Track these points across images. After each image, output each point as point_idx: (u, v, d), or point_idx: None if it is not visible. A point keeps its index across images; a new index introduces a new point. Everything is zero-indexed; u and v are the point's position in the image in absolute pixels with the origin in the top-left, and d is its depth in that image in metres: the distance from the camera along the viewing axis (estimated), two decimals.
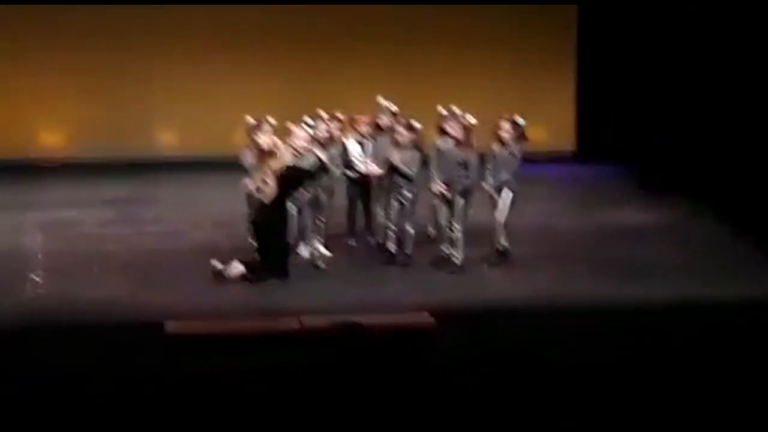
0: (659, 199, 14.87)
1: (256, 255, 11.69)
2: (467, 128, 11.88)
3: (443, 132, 12.11)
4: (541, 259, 12.44)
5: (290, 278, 11.60)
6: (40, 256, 12.53)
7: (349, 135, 12.52)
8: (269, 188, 11.50)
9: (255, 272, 11.54)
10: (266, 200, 11.52)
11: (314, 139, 12.05)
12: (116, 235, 13.29)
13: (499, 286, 11.82)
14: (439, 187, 12.00)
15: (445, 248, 12.10)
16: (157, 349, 9.83)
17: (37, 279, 11.74)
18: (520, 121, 12.05)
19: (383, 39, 17.03)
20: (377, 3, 16.81)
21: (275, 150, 11.52)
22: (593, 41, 17.17)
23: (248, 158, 11.89)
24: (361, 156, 12.48)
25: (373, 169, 12.33)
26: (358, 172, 12.47)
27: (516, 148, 12.00)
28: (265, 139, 11.62)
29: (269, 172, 11.49)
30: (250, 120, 12.01)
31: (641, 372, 9.47)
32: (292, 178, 11.58)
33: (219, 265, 11.63)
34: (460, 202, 11.96)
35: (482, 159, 12.09)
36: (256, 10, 16.80)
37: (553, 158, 14.95)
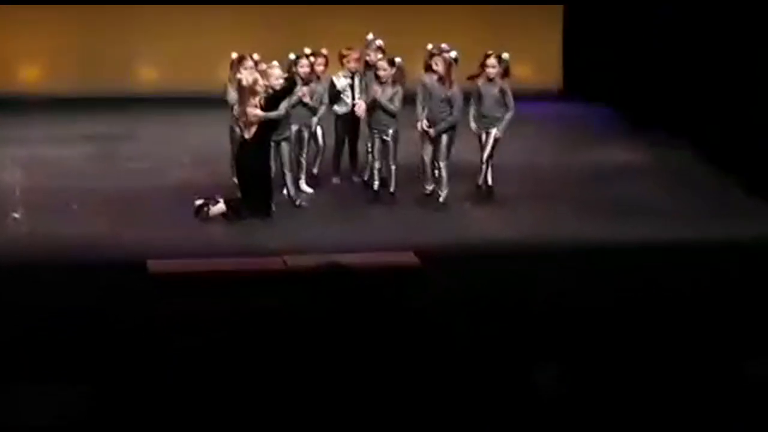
0: (645, 138, 14.79)
1: (239, 193, 11.58)
2: (449, 64, 11.77)
3: (429, 69, 12.02)
4: (527, 198, 12.39)
5: (273, 217, 11.50)
6: (18, 193, 12.38)
7: (339, 71, 12.39)
8: (250, 126, 11.37)
9: (237, 211, 11.44)
10: (248, 137, 11.40)
11: (294, 74, 11.94)
12: (97, 172, 13.14)
13: (483, 226, 11.77)
14: (422, 124, 11.91)
15: (428, 185, 12.05)
16: (139, 288, 9.76)
17: (17, 216, 11.62)
18: (505, 56, 11.96)
19: None
20: None
21: (256, 86, 11.37)
22: None
23: (231, 94, 11.75)
24: (348, 92, 12.36)
25: (360, 106, 12.20)
26: (345, 109, 12.36)
27: (506, 87, 11.92)
28: (245, 76, 11.47)
29: (250, 110, 11.35)
30: (233, 55, 11.87)
31: (627, 312, 9.44)
32: (270, 119, 11.45)
33: (200, 203, 11.51)
34: (443, 138, 11.87)
35: (469, 96, 12.00)
36: None
37: (539, 96, 14.79)
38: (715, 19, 15.27)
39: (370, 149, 12.18)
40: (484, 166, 12.04)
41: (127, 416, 7.19)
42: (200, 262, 10.28)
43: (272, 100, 11.42)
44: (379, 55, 12.23)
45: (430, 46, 12.16)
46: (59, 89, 16.31)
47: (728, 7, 14.97)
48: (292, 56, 12.17)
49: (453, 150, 11.98)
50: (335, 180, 12.65)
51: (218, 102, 12.35)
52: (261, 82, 11.40)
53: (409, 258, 10.42)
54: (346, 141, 12.61)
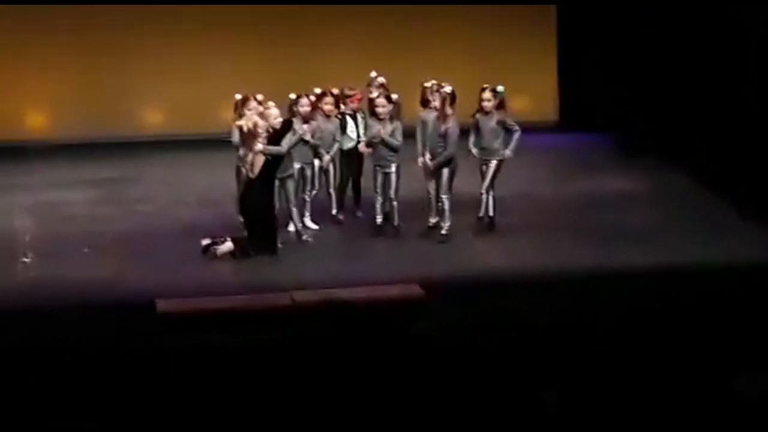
0: (640, 167, 14.87)
1: (244, 232, 11.64)
2: (444, 99, 11.90)
3: (427, 104, 12.16)
4: (527, 227, 12.43)
5: (279, 254, 11.56)
6: (29, 239, 12.45)
7: (344, 110, 12.55)
8: (255, 166, 11.46)
9: (244, 248, 11.50)
10: (252, 176, 11.48)
11: (295, 114, 12.05)
12: (104, 216, 13.21)
13: (486, 256, 11.82)
14: (422, 158, 12.02)
15: (432, 218, 12.13)
16: (149, 327, 9.80)
17: (28, 261, 11.68)
18: (500, 88, 12.06)
19: (365, 14, 16.93)
20: None
21: (257, 130, 11.46)
22: (575, 11, 17.10)
23: (237, 135, 11.85)
24: (354, 130, 12.50)
25: (364, 143, 12.32)
26: (350, 145, 12.47)
27: (504, 117, 12.01)
28: (245, 121, 11.57)
29: (253, 151, 11.44)
30: (237, 97, 11.98)
31: (626, 337, 9.49)
32: (273, 157, 11.53)
33: (207, 242, 11.58)
34: (444, 172, 11.96)
35: (467, 129, 12.09)
36: None
37: (536, 128, 14.89)
38: (709, 48, 15.39)
39: (378, 191, 12.21)
40: (484, 197, 12.12)
41: None
42: (208, 300, 10.31)
43: (272, 140, 11.52)
44: (381, 92, 12.36)
45: (428, 84, 12.29)
46: (64, 135, 16.44)
47: (722, 37, 15.09)
48: (292, 96, 12.29)
49: (455, 183, 12.06)
50: (339, 216, 12.72)
51: (221, 143, 12.45)
52: (261, 123, 11.50)
53: (414, 290, 10.46)
54: (350, 177, 12.72)
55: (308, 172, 12.36)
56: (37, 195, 14.00)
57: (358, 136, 12.54)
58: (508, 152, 12.05)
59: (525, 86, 16.29)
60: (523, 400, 7.94)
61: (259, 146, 11.39)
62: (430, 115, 12.09)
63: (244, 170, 11.67)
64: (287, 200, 11.98)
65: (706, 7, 15.38)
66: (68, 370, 8.87)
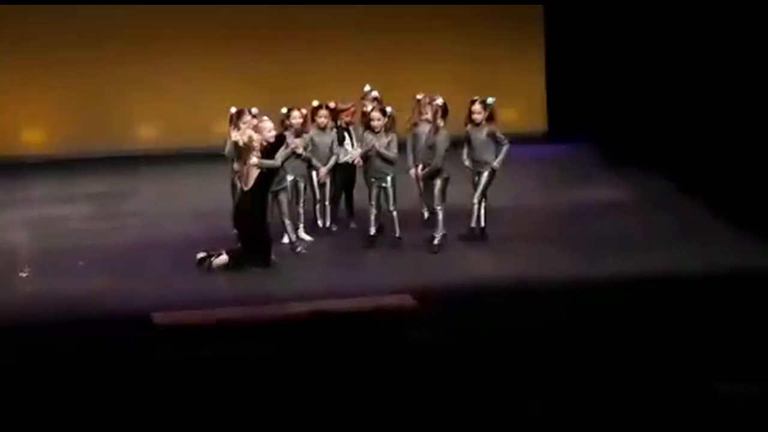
0: (629, 176, 14.91)
1: (239, 244, 11.67)
2: (436, 111, 11.96)
3: (420, 116, 12.23)
4: (517, 237, 12.47)
5: (273, 265, 11.58)
6: (24, 254, 12.47)
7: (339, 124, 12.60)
8: (249, 179, 11.48)
9: (238, 261, 11.52)
10: (246, 188, 11.51)
11: (288, 128, 12.09)
12: (99, 230, 13.22)
13: (477, 266, 11.84)
14: (413, 170, 12.08)
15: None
16: (145, 340, 9.82)
17: (24, 276, 11.69)
18: (489, 100, 12.12)
19: (357, 29, 16.99)
20: (357, 12, 16.80)
21: (252, 143, 11.49)
22: (562, 22, 17.17)
23: (231, 148, 11.87)
24: (348, 143, 12.55)
25: (356, 155, 12.36)
26: (344, 159, 12.54)
27: (494, 129, 12.07)
28: (239, 135, 11.59)
29: (247, 164, 11.47)
30: (232, 110, 12.01)
31: (615, 345, 9.52)
32: (267, 170, 11.56)
33: (202, 255, 11.60)
34: (436, 183, 12.02)
35: (459, 141, 12.15)
36: (237, 3, 16.72)
37: (526, 139, 14.95)
38: (695, 58, 15.46)
39: (373, 203, 12.25)
40: (476, 208, 12.16)
41: None
42: (204, 312, 10.33)
43: (266, 154, 11.55)
44: (375, 105, 12.43)
45: (419, 96, 12.35)
46: (60, 151, 16.46)
47: (708, 47, 15.16)
48: (284, 110, 12.33)
49: (447, 194, 12.11)
50: (332, 227, 12.76)
51: (215, 157, 12.48)
52: (255, 137, 11.53)
53: (406, 300, 10.49)
54: (343, 189, 12.78)
55: (301, 185, 12.40)
56: (33, 210, 14.01)
57: (353, 148, 12.60)
58: (495, 164, 12.09)
59: (513, 97, 16.34)
60: (514, 410, 7.97)
61: (254, 160, 11.42)
62: (421, 128, 12.17)
63: (238, 184, 11.69)
64: (281, 213, 12.01)
65: (691, 17, 15.46)
66: (64, 383, 8.88)
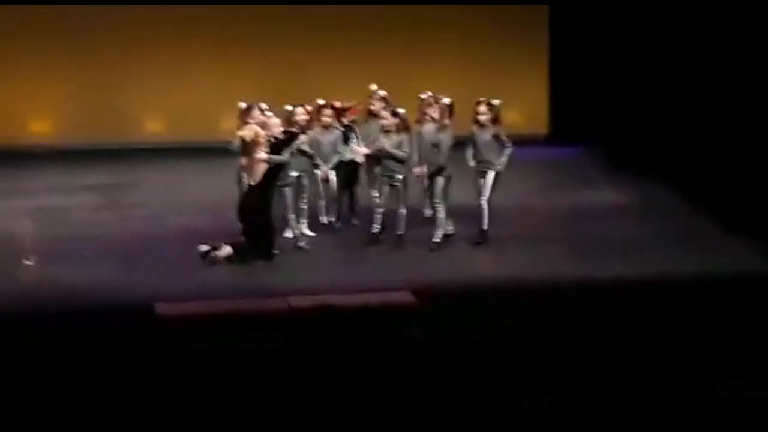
0: (629, 180, 14.94)
1: (243, 237, 11.68)
2: (443, 110, 11.96)
3: (424, 115, 12.24)
4: (518, 238, 12.47)
5: (276, 259, 11.59)
6: (31, 242, 12.48)
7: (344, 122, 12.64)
8: (255, 174, 11.50)
9: (241, 254, 11.53)
10: (253, 183, 11.53)
11: (293, 125, 12.11)
12: (104, 220, 13.23)
13: (477, 265, 11.85)
14: (417, 168, 12.09)
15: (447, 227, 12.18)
16: (147, 330, 9.83)
17: (29, 264, 11.70)
18: (495, 102, 12.13)
19: (363, 28, 17.02)
20: (363, 12, 16.84)
21: (258, 139, 11.51)
22: (565, 25, 17.20)
23: (238, 143, 11.87)
24: (354, 141, 12.57)
25: (361, 151, 12.36)
26: (348, 156, 12.56)
27: (499, 131, 12.09)
28: (247, 131, 11.60)
29: (254, 159, 11.48)
30: (241, 105, 12.01)
31: (614, 347, 9.54)
32: (274, 166, 11.58)
33: (205, 248, 11.62)
34: (438, 181, 12.03)
35: (464, 142, 12.17)
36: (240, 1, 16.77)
37: (528, 141, 14.95)
38: (696, 64, 15.48)
39: (378, 197, 12.27)
40: (485, 210, 12.15)
41: None
42: (206, 303, 10.34)
43: (274, 149, 11.57)
44: (383, 105, 12.44)
45: (424, 96, 12.37)
46: (66, 141, 16.47)
47: (708, 53, 15.18)
48: (289, 107, 12.33)
49: (450, 192, 12.12)
50: (336, 224, 12.78)
51: (219, 151, 12.49)
52: (261, 133, 11.54)
53: (407, 297, 10.51)
54: (346, 186, 12.80)
55: (305, 181, 12.41)
56: (38, 199, 14.02)
57: (357, 146, 12.63)
58: (498, 166, 12.10)
59: (516, 100, 16.35)
60: (513, 408, 7.99)
61: (263, 155, 11.43)
62: (426, 127, 12.18)
63: (245, 178, 11.70)
64: (285, 207, 12.02)
65: (693, 23, 15.48)
66: (68, 372, 8.90)
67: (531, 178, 14.81)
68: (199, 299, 10.47)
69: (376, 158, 12.22)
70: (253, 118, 11.76)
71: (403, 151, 12.02)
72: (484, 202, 12.13)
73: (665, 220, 13.33)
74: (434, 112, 12.11)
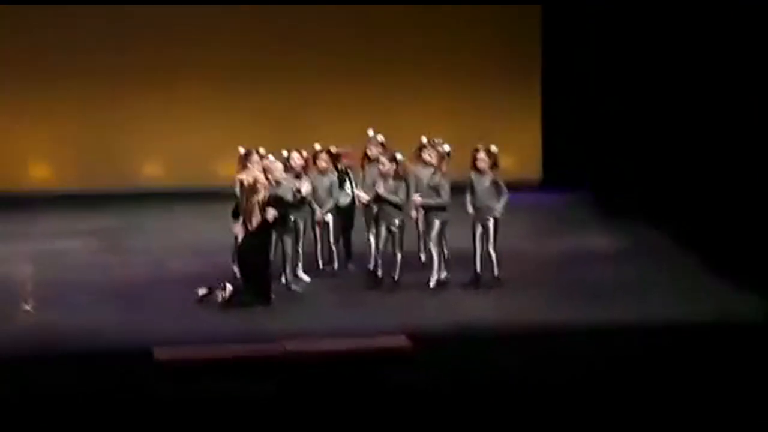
0: (621, 225, 15.00)
1: (240, 281, 11.72)
2: (442, 156, 12.05)
3: (421, 159, 12.33)
4: (511, 283, 12.49)
5: (272, 303, 11.63)
6: (30, 286, 12.51)
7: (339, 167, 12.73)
8: (254, 219, 11.56)
9: (238, 298, 11.57)
10: (251, 228, 11.58)
11: (288, 170, 12.19)
12: (103, 264, 13.27)
13: (471, 310, 11.87)
14: (413, 212, 12.16)
15: (441, 272, 12.24)
16: (145, 374, 9.85)
17: (29, 308, 11.73)
18: (493, 149, 12.23)
19: (358, 77, 17.16)
20: (357, 56, 16.96)
21: (257, 185, 11.58)
22: (558, 71, 17.33)
23: (239, 187, 11.94)
24: (348, 186, 12.66)
25: (363, 196, 12.43)
26: (344, 201, 12.65)
27: (497, 177, 12.19)
28: (246, 176, 11.68)
29: (253, 204, 11.55)
30: (240, 150, 12.09)
31: (606, 391, 9.57)
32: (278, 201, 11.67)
33: (203, 291, 11.66)
34: (435, 223, 12.09)
35: (468, 188, 12.25)
36: (240, 46, 16.88)
37: (520, 186, 15.04)
38: (687, 109, 15.61)
39: (375, 239, 12.35)
40: (494, 256, 12.20)
41: None
42: (203, 348, 10.36)
43: (277, 201, 11.62)
44: (380, 150, 12.53)
45: (424, 139, 12.44)
46: (65, 186, 16.55)
47: (700, 100, 15.30)
48: (284, 153, 12.41)
49: (446, 237, 12.16)
50: (330, 268, 12.83)
51: (217, 195, 12.56)
52: (262, 180, 11.61)
53: (402, 341, 10.54)
54: (342, 231, 12.87)
55: (301, 225, 12.47)
56: (38, 243, 14.07)
57: (352, 192, 12.71)
58: (496, 213, 12.19)
59: (509, 145, 16.45)
60: None
61: (272, 213, 11.51)
62: (424, 170, 12.25)
63: (243, 223, 11.72)
64: (284, 253, 12.07)
65: (684, 69, 15.62)
66: (66, 416, 8.91)
67: (523, 223, 14.87)
68: (196, 343, 10.48)
69: (372, 203, 12.29)
70: (252, 163, 11.84)
71: (400, 197, 12.09)
72: (491, 250, 12.20)
73: (656, 264, 13.37)
74: (430, 156, 12.18)
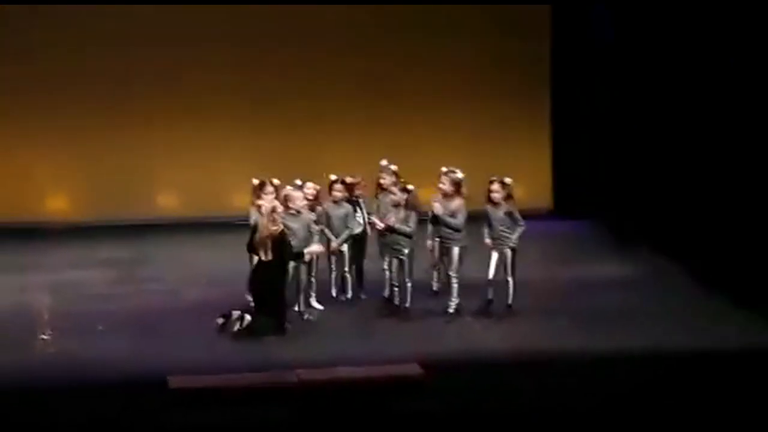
0: (631, 253, 14.99)
1: (254, 310, 11.73)
2: (456, 183, 12.10)
3: (438, 189, 12.35)
4: (522, 311, 12.47)
5: (287, 332, 11.64)
6: (47, 316, 12.55)
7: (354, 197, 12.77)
8: (269, 249, 11.57)
9: (254, 327, 11.57)
10: (265, 258, 11.59)
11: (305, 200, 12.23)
12: (119, 294, 13.30)
13: (483, 338, 11.86)
14: (430, 241, 12.18)
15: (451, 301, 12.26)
16: (160, 403, 9.86)
17: (46, 338, 11.76)
18: (508, 180, 12.27)
19: (369, 105, 17.21)
20: (368, 87, 17.06)
21: (275, 214, 11.60)
22: (568, 100, 17.36)
23: (254, 218, 11.96)
24: (360, 215, 12.69)
25: (379, 223, 12.44)
26: (357, 230, 12.67)
27: (512, 208, 12.21)
28: (264, 204, 11.71)
29: (267, 234, 11.57)
30: (254, 181, 12.12)
31: (617, 420, 9.54)
32: (286, 241, 11.66)
33: (222, 320, 11.66)
34: (454, 251, 12.11)
35: (485, 219, 12.28)
36: (252, 76, 16.95)
37: (531, 215, 15.05)
38: (699, 140, 15.59)
39: (387, 268, 12.38)
40: (510, 285, 12.23)
41: None
42: (218, 377, 10.38)
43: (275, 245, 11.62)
44: (393, 179, 12.56)
45: (444, 169, 12.43)
46: (81, 218, 16.60)
47: (711, 130, 15.30)
48: (298, 182, 12.42)
49: (464, 263, 12.17)
50: (343, 296, 12.85)
51: (231, 226, 12.58)
52: (279, 210, 11.64)
53: (414, 369, 10.53)
54: (355, 260, 12.89)
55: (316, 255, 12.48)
56: (55, 274, 14.12)
57: (364, 221, 12.75)
58: (512, 243, 12.22)
59: (520, 174, 16.38)
60: None
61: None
62: (440, 201, 12.24)
63: (257, 251, 11.72)
64: (298, 282, 12.08)
65: (695, 98, 15.63)
66: None
67: (534, 251, 14.81)
68: (211, 372, 10.49)
69: (383, 231, 12.32)
70: (266, 194, 11.87)
71: (409, 227, 12.12)
72: (510, 278, 12.23)
73: (666, 293, 13.34)
74: (444, 185, 12.18)
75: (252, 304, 11.80)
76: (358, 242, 12.82)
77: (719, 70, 15.20)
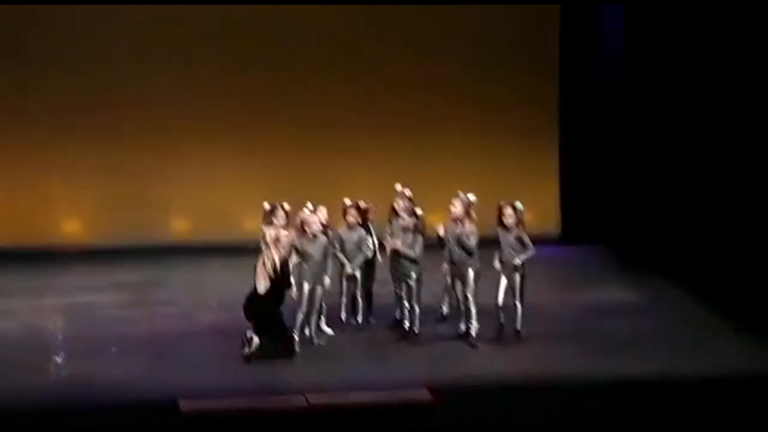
0: (640, 279, 14.95)
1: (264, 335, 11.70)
2: (467, 205, 12.12)
3: (449, 211, 12.33)
4: (530, 336, 12.43)
5: (296, 357, 11.62)
6: (61, 339, 12.56)
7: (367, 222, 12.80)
8: (267, 274, 11.55)
9: (263, 351, 11.55)
10: (260, 288, 11.56)
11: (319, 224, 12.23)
12: (132, 318, 13.31)
13: (491, 363, 11.83)
14: (445, 265, 12.18)
15: (462, 324, 12.20)
16: (172, 426, 9.85)
17: (60, 360, 11.77)
18: (519, 205, 12.27)
19: (380, 130, 17.22)
20: (379, 111, 17.10)
21: (278, 243, 11.60)
22: (576, 125, 17.37)
23: (262, 243, 11.95)
24: (369, 241, 12.67)
25: (397, 245, 12.41)
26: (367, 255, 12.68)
27: (522, 233, 12.20)
28: (270, 232, 11.71)
29: (269, 260, 11.57)
30: (265, 205, 12.14)
31: None
32: (287, 271, 11.64)
33: (247, 351, 11.56)
34: (470, 274, 12.09)
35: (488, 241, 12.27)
36: (266, 101, 17.00)
37: (539, 241, 15.03)
38: (705, 165, 15.59)
39: (398, 292, 12.38)
40: (519, 310, 12.22)
41: None
42: (228, 401, 10.37)
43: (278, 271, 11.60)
44: (408, 204, 12.55)
45: (461, 193, 12.39)
46: (96, 241, 16.62)
47: (720, 153, 15.29)
48: (309, 206, 12.42)
49: (478, 286, 12.15)
50: (352, 320, 12.84)
51: (243, 250, 12.59)
52: (284, 236, 11.63)
53: (422, 394, 10.51)
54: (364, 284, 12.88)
55: (327, 280, 12.43)
56: (69, 297, 14.14)
57: (374, 246, 12.75)
58: (517, 260, 12.19)
59: (528, 200, 16.35)
60: None
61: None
62: (453, 226, 12.22)
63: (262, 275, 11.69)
64: (311, 305, 12.07)
65: (699, 123, 15.63)
66: None
67: (542, 277, 14.79)
68: (222, 396, 10.49)
69: (391, 256, 12.32)
70: (277, 218, 11.87)
71: (414, 251, 12.10)
72: (518, 303, 12.21)
73: (675, 318, 13.30)
74: (455, 207, 12.16)
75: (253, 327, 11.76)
76: (367, 266, 12.81)
77: (727, 101, 15.20)
